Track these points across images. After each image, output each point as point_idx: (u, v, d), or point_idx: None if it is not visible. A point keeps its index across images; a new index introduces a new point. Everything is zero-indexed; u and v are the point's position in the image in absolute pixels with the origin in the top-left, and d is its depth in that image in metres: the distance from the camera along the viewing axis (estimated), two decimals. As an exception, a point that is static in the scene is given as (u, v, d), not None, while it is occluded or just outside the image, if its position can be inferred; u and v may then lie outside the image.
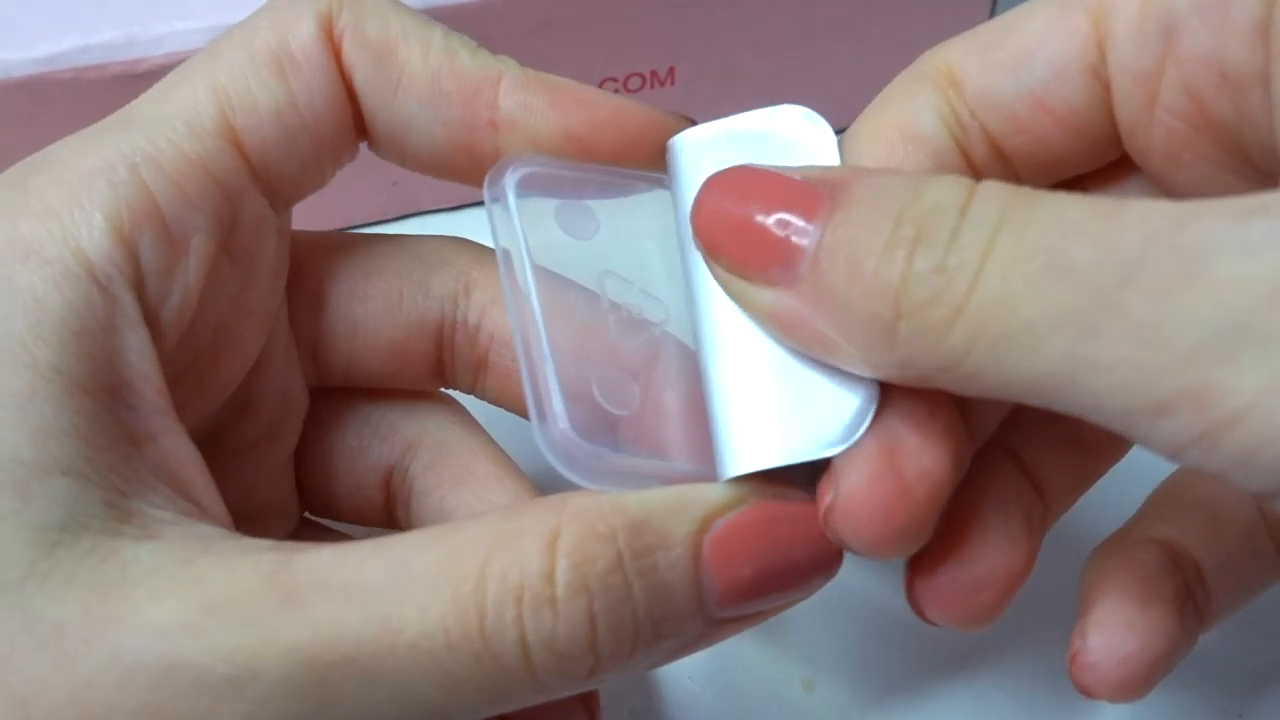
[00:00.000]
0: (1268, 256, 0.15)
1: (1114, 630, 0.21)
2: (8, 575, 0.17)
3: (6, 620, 0.17)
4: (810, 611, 0.29)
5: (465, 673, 0.18)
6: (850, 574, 0.29)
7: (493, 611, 0.18)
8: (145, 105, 0.21)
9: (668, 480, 0.20)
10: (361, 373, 0.25)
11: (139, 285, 0.20)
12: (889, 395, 0.19)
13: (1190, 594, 0.22)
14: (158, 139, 0.20)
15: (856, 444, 0.19)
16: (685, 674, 0.28)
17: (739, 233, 0.19)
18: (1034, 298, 0.16)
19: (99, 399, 0.19)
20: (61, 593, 0.17)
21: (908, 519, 0.19)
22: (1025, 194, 0.17)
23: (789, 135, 0.21)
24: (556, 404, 0.19)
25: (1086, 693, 0.21)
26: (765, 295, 0.19)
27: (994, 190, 0.17)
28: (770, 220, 0.19)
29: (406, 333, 0.25)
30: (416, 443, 0.25)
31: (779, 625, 0.29)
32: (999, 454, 0.22)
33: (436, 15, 0.32)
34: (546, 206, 0.22)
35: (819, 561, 0.20)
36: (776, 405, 0.19)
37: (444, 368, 0.25)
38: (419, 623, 0.18)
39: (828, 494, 0.19)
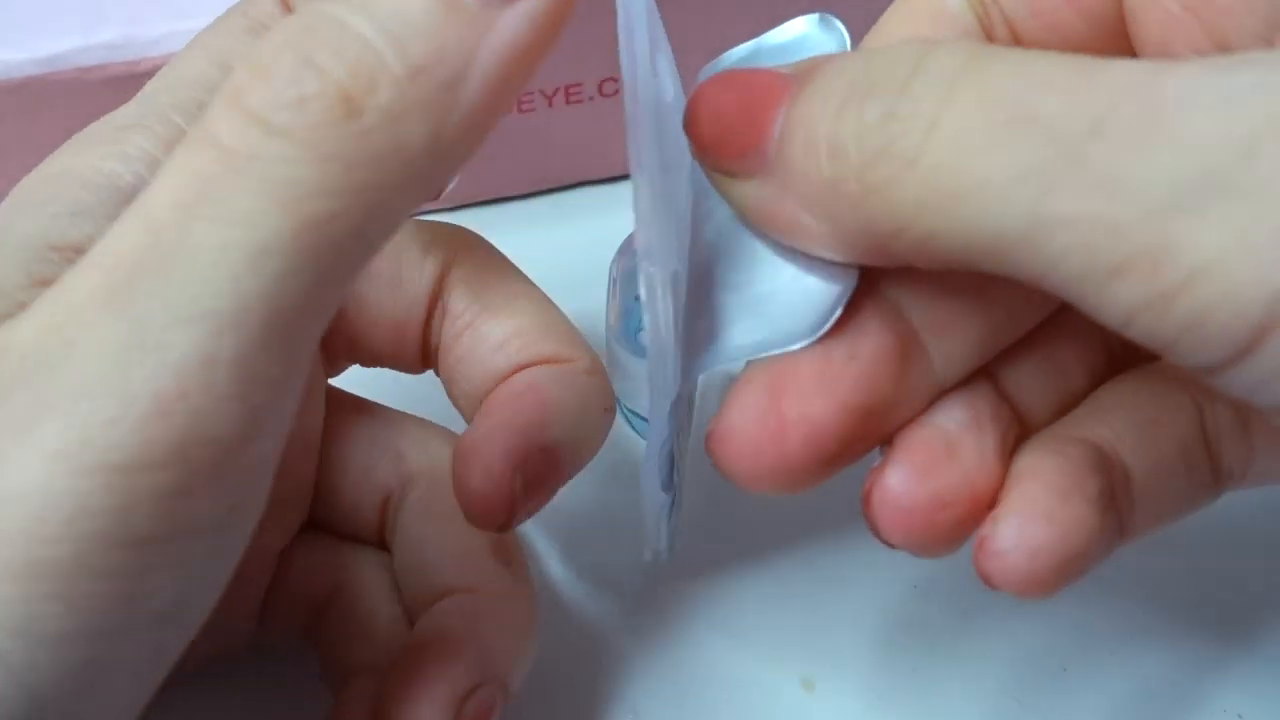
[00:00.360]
0: (1246, 106, 0.15)
1: (1030, 519, 0.19)
2: None
3: None
4: (810, 611, 0.29)
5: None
6: (851, 574, 0.30)
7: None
8: (155, 82, 0.22)
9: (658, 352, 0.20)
10: (364, 351, 0.26)
11: None
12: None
13: (1114, 498, 0.21)
14: (172, 110, 0.21)
15: (748, 377, 0.19)
16: (685, 674, 0.28)
17: (718, 128, 0.19)
18: (994, 149, 0.16)
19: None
20: None
21: (777, 462, 0.19)
22: (991, 47, 0.17)
23: (807, 41, 0.21)
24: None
25: (989, 582, 0.20)
26: (746, 188, 0.19)
27: (957, 43, 0.17)
28: (744, 112, 0.19)
29: (407, 311, 0.25)
30: (417, 473, 0.26)
31: (779, 625, 0.29)
32: (976, 374, 0.22)
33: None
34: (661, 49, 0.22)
35: None
36: (754, 303, 0.20)
37: (428, 349, 0.26)
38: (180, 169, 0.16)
39: (713, 419, 0.19)
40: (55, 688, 0.16)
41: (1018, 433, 0.21)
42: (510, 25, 0.17)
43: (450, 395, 0.26)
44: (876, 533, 0.20)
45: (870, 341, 0.19)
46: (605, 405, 0.25)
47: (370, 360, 0.26)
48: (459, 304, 0.25)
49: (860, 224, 0.18)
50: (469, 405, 0.25)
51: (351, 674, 0.25)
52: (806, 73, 0.18)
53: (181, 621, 0.18)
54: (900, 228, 0.17)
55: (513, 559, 0.26)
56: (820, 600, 0.29)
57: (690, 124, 0.20)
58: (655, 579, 0.29)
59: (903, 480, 0.20)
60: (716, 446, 0.19)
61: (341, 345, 0.26)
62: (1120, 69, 0.16)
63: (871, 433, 0.20)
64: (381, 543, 0.26)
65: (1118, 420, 0.21)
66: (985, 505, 0.20)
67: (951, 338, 0.21)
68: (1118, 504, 0.21)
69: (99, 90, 0.31)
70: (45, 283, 0.18)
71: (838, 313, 0.19)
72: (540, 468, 0.23)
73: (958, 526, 0.20)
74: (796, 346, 0.19)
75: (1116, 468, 0.21)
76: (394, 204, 0.17)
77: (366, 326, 0.25)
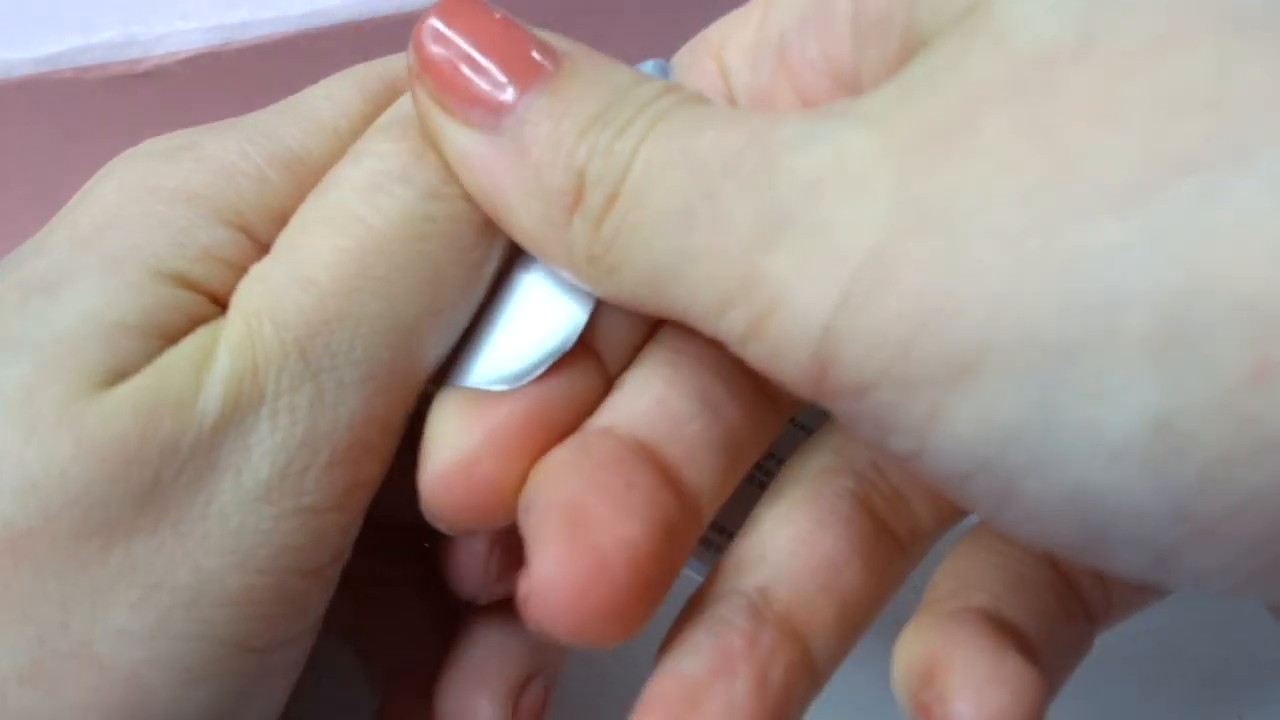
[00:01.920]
0: (817, 149, 0.16)
1: (978, 687, 0.18)
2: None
3: None
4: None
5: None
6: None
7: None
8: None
9: None
10: None
11: None
12: (582, 467, 0.19)
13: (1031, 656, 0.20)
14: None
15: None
16: (685, 674, 0.28)
17: (457, 61, 0.18)
18: (662, 185, 0.17)
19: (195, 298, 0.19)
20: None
21: (607, 598, 0.18)
22: (702, 96, 0.18)
23: None
24: None
25: None
26: (462, 135, 0.19)
27: (685, 89, 0.18)
28: (492, 64, 0.18)
29: None
30: None
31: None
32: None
33: (437, 15, 0.32)
34: None
35: None
36: (492, 336, 0.20)
37: None
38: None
39: (522, 581, 0.18)
40: (252, 689, 0.19)
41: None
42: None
43: None
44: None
45: (638, 454, 0.20)
46: None
47: None
48: None
49: (569, 242, 0.18)
50: None
51: (397, 671, 0.25)
52: (565, 56, 0.18)
53: (313, 635, 0.20)
54: (595, 255, 0.18)
55: None
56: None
57: (417, 44, 0.19)
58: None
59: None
60: (536, 608, 0.18)
61: None
62: (761, 116, 0.17)
63: (680, 549, 0.20)
64: (430, 532, 0.26)
65: (993, 583, 0.20)
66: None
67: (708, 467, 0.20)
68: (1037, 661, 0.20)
69: (99, 90, 0.31)
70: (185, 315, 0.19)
71: (547, 364, 0.20)
72: None
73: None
74: (499, 389, 0.20)
75: (1012, 630, 0.20)
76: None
77: None
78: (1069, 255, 0.13)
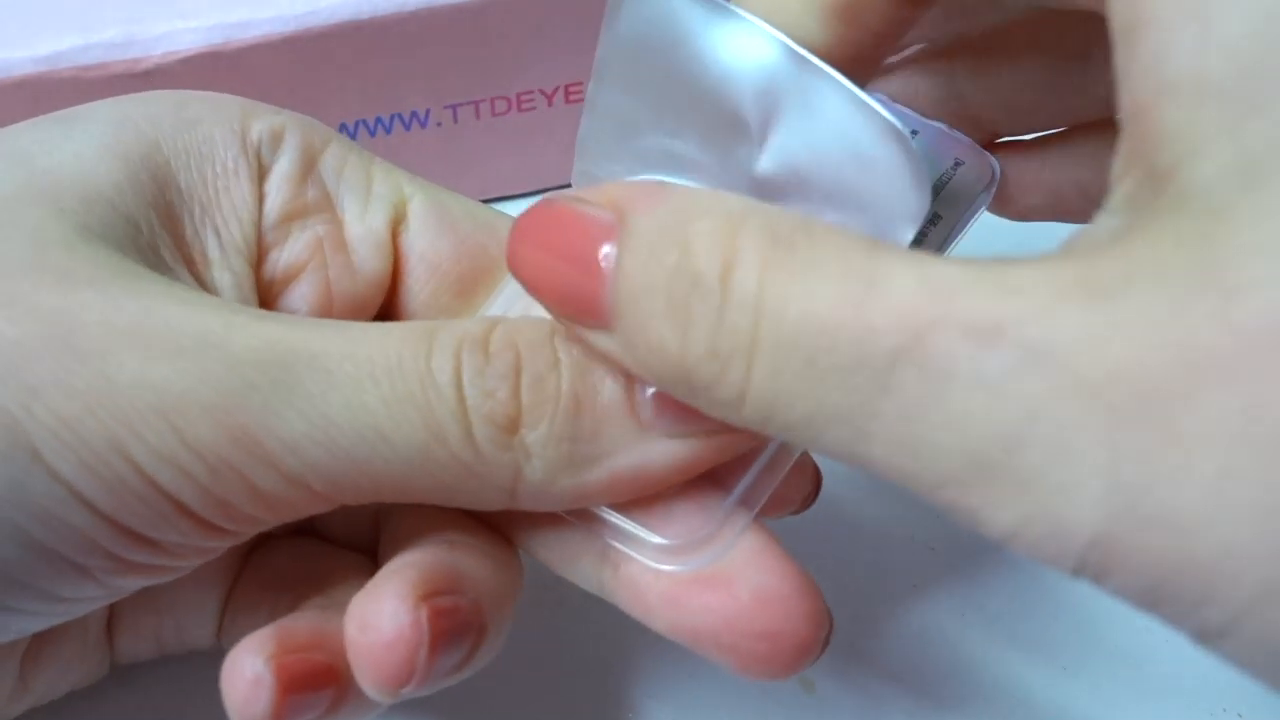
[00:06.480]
0: (1003, 395, 0.15)
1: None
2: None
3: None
4: (810, 611, 0.29)
5: (407, 395, 0.19)
6: (850, 574, 0.30)
7: (438, 348, 0.20)
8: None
9: None
10: None
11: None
12: None
13: None
14: None
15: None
16: (686, 673, 0.28)
17: (551, 283, 0.19)
18: (805, 395, 0.16)
19: (181, 212, 0.23)
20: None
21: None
22: (783, 253, 0.17)
23: None
24: None
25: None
26: (598, 339, 0.19)
27: (752, 248, 0.17)
28: (570, 268, 0.18)
29: None
30: None
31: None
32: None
33: (436, 17, 0.32)
34: None
35: None
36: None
37: None
38: (377, 344, 0.20)
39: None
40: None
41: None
42: (661, 452, 0.20)
43: None
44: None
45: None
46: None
47: None
48: None
49: (711, 414, 0.18)
50: None
51: (302, 597, 0.25)
52: (621, 217, 0.18)
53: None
54: (753, 427, 0.17)
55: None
56: (820, 600, 0.29)
57: (521, 279, 0.19)
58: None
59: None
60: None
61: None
62: (886, 310, 0.16)
63: None
64: (373, 552, 0.25)
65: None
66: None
67: None
68: None
69: (99, 89, 0.31)
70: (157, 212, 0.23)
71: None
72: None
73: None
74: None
75: None
76: (472, 503, 0.21)
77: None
78: None
